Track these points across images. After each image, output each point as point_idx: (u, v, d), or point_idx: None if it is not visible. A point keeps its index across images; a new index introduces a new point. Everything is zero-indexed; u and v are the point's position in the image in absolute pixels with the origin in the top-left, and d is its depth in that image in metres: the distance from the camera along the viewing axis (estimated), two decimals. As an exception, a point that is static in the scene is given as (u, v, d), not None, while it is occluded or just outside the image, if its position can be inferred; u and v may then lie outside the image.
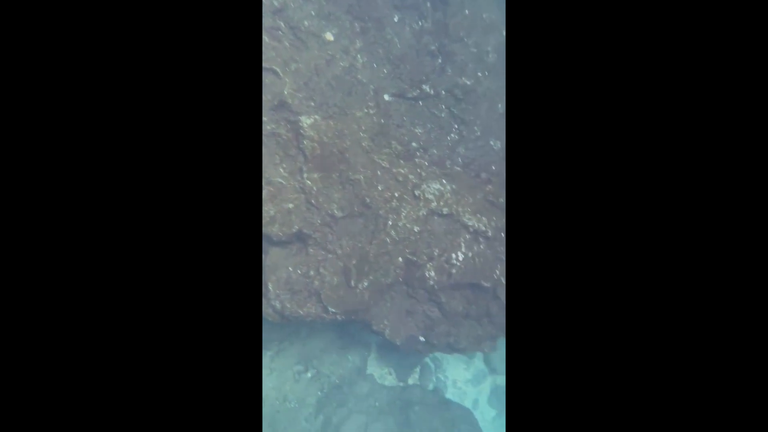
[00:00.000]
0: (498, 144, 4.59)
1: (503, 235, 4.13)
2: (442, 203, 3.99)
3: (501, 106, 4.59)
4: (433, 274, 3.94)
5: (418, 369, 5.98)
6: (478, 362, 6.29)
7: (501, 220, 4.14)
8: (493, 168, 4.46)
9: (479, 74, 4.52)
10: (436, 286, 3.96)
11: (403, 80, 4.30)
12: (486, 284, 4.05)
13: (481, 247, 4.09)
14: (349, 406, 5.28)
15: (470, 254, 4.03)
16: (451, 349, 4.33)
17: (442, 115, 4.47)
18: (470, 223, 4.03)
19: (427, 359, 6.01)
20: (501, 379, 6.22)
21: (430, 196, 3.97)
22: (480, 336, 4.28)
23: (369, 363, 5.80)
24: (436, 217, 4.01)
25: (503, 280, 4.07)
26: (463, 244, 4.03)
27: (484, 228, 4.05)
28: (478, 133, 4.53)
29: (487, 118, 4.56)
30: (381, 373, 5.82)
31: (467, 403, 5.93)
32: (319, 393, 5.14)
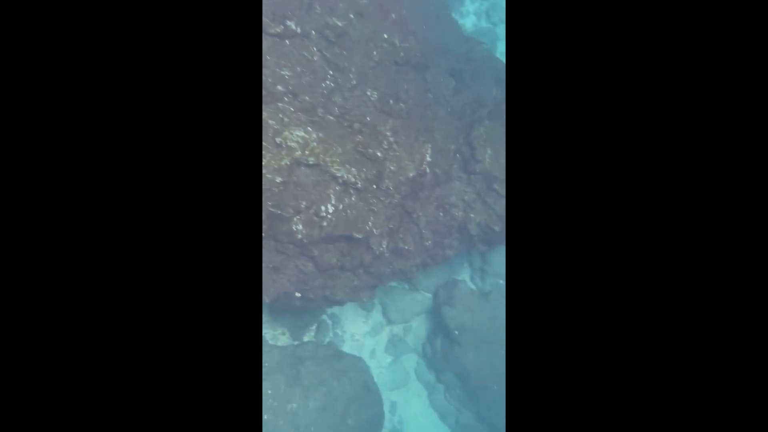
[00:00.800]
0: (375, 95, 4.46)
1: (375, 186, 4.13)
2: (307, 152, 3.79)
3: (376, 54, 4.41)
4: (301, 227, 3.80)
5: (314, 327, 6.01)
6: (377, 314, 6.55)
7: (371, 172, 4.11)
8: (368, 119, 4.36)
9: (351, 16, 4.24)
10: (305, 240, 3.84)
11: (262, 13, 3.82)
12: (358, 236, 4.05)
13: (353, 198, 4.04)
14: (236, 369, 5.13)
15: (341, 206, 3.96)
16: (329, 302, 4.35)
17: (315, 59, 4.15)
18: (339, 174, 3.92)
19: (325, 316, 6.07)
20: (398, 328, 6.59)
21: (294, 144, 3.73)
22: (357, 286, 4.36)
23: (260, 325, 5.64)
24: (302, 168, 3.80)
25: (375, 231, 4.12)
26: (332, 196, 3.92)
27: (354, 179, 3.98)
28: (354, 82, 4.33)
29: (362, 66, 4.36)
30: (274, 334, 5.72)
31: (365, 354, 6.19)
32: (199, 360, 4.86)
